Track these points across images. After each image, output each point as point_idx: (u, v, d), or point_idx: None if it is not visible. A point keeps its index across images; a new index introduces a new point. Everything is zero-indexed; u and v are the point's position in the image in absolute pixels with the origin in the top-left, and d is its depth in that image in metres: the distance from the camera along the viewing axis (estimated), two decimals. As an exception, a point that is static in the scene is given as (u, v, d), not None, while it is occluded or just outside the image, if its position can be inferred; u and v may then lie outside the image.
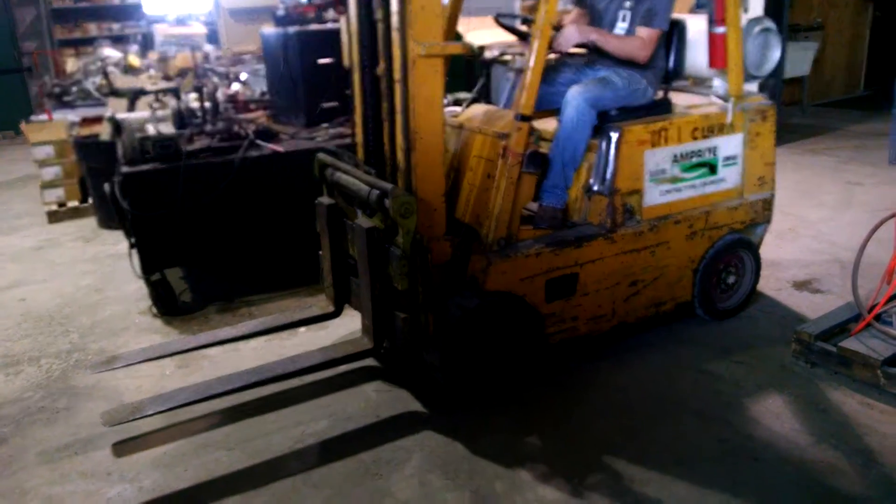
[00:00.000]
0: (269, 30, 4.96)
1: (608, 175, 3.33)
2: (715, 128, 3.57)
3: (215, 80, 5.29)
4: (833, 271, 4.41)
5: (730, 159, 3.66)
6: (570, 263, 3.27)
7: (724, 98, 3.64)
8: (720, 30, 3.50)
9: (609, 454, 2.81)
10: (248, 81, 5.87)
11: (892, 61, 10.15)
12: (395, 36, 2.89)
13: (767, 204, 3.84)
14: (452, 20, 3.93)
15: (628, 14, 3.45)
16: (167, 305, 4.26)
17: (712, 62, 3.57)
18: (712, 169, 3.61)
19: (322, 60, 4.76)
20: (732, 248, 3.76)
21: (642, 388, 3.28)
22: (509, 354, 3.20)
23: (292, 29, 4.71)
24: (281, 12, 4.79)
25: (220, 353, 3.75)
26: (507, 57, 4.00)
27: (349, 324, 3.84)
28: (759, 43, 3.67)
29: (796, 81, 9.10)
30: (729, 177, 3.68)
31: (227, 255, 4.38)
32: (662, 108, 3.57)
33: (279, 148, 4.33)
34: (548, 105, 3.50)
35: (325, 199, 3.46)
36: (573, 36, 3.29)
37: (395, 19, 2.86)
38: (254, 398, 3.26)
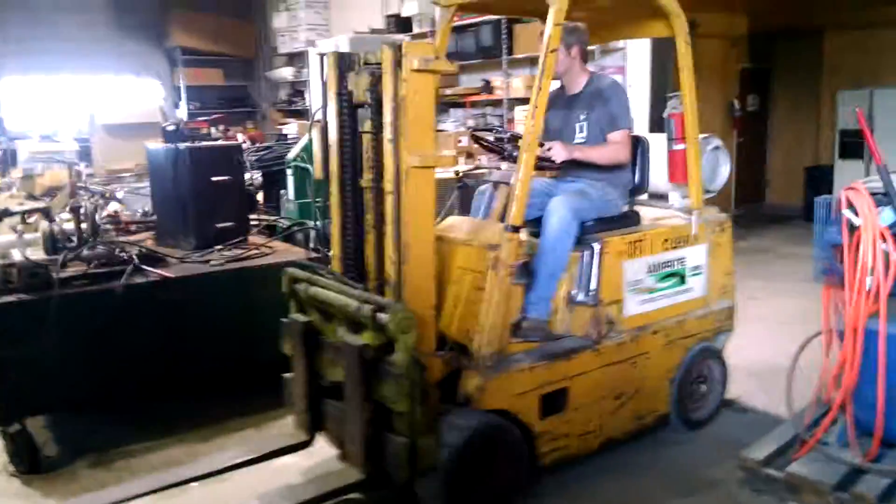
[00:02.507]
0: (156, 145, 4.60)
1: (592, 286, 3.32)
2: (682, 239, 3.67)
3: (92, 199, 4.81)
4: (750, 388, 4.37)
5: (696, 269, 3.74)
6: (560, 377, 3.19)
7: (685, 210, 3.80)
8: (679, 147, 3.72)
9: None
10: (126, 201, 5.41)
11: (756, 185, 10.95)
12: (388, 147, 2.87)
13: (730, 312, 3.94)
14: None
15: (584, 125, 3.58)
16: (28, 462, 3.58)
17: (672, 177, 3.79)
18: (682, 279, 3.69)
19: (216, 178, 4.42)
20: (703, 356, 3.81)
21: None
22: (505, 477, 3.04)
23: (183, 145, 4.37)
24: (171, 127, 4.44)
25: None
26: (481, 171, 3.97)
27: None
28: (710, 160, 3.94)
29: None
30: (696, 286, 3.75)
31: (106, 398, 3.79)
32: (632, 219, 3.65)
33: (168, 273, 3.88)
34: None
35: (298, 317, 3.21)
36: (562, 152, 3.40)
37: (387, 130, 2.86)
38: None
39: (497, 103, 9.04)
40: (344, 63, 3.17)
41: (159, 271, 3.88)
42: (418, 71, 2.82)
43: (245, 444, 3.77)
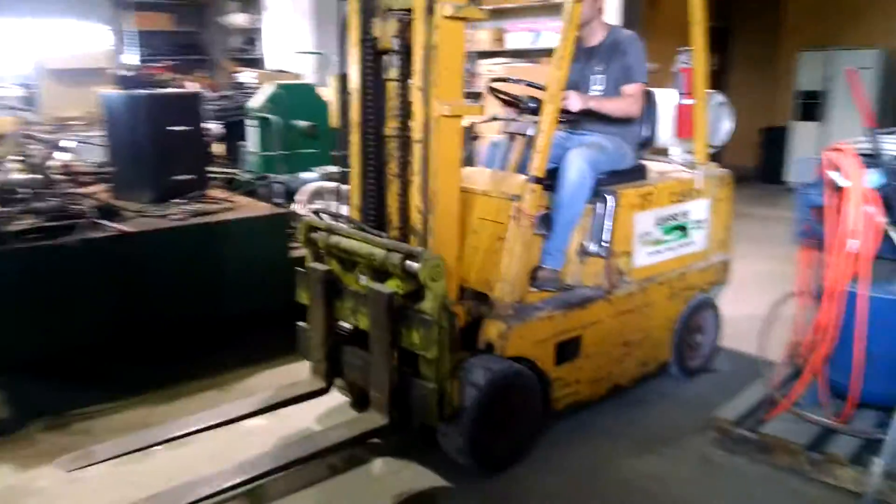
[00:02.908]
0: (112, 92, 4.33)
1: (605, 237, 3.38)
2: (687, 193, 3.74)
3: (40, 148, 4.53)
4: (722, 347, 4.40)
5: (698, 223, 3.85)
6: (575, 326, 3.28)
7: (689, 165, 3.87)
8: (688, 102, 3.81)
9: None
10: (77, 150, 5.13)
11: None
12: (417, 95, 2.85)
13: (726, 266, 4.08)
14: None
15: (600, 77, 3.57)
16: (-23, 425, 3.40)
17: (680, 132, 3.89)
18: (685, 232, 3.78)
19: (176, 128, 4.20)
20: (701, 308, 3.93)
21: (573, 496, 2.96)
22: (523, 422, 3.13)
23: (141, 92, 4.13)
24: (127, 73, 4.18)
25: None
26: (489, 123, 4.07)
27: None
28: (714, 115, 3.97)
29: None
30: (698, 239, 3.86)
31: (61, 358, 3.61)
32: (640, 173, 3.68)
33: (127, 228, 3.69)
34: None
35: (318, 265, 3.22)
36: (577, 102, 3.36)
37: (417, 78, 2.84)
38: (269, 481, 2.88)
39: (461, 56, 8.91)
40: (368, 7, 3.07)
41: (117, 225, 3.68)
42: (450, 18, 2.77)
43: (209, 405, 3.66)
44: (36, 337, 3.44)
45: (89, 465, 2.80)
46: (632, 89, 3.53)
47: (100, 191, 4.28)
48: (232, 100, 5.65)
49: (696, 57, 3.80)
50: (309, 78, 8.22)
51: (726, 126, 4.06)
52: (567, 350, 3.28)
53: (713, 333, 4.08)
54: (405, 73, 2.97)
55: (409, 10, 2.88)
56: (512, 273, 3.09)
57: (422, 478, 3.07)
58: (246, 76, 7.07)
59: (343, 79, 3.23)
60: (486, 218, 3.20)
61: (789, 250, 4.69)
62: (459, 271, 3.08)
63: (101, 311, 3.59)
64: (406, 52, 2.95)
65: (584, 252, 3.40)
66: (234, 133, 5.80)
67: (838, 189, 2.96)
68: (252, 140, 5.08)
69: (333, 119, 3.39)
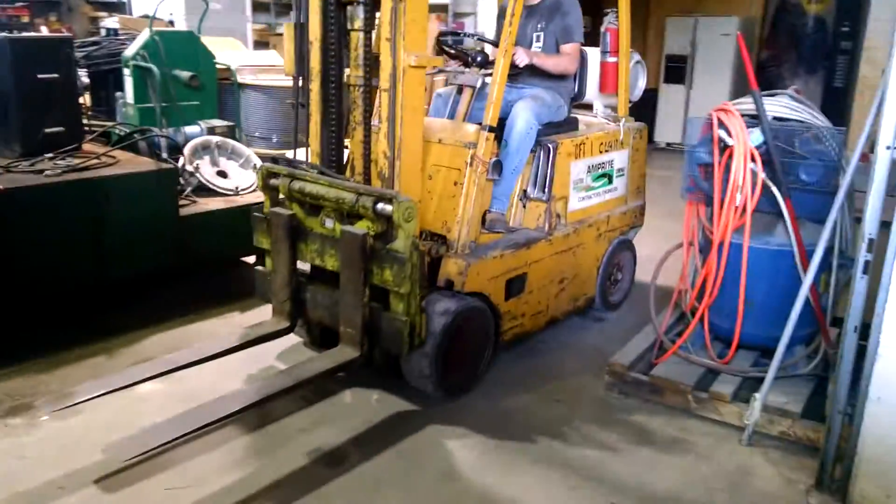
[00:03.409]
0: (-34, 34, 3.91)
1: (546, 183, 3.65)
2: (612, 143, 4.09)
3: None
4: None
5: (620, 171, 4.23)
6: (522, 264, 3.53)
7: (612, 119, 4.23)
8: (612, 59, 4.13)
9: None
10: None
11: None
12: (385, 46, 2.97)
13: (642, 210, 4.49)
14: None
15: (541, 35, 3.80)
16: None
17: (603, 87, 4.21)
18: (610, 179, 4.14)
19: (44, 76, 3.86)
20: (621, 248, 4.31)
21: (480, 443, 3.05)
22: (478, 351, 3.41)
23: (4, 35, 3.74)
24: (-15, 13, 3.78)
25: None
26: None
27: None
28: (632, 73, 4.29)
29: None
30: (619, 186, 4.24)
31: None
32: (573, 125, 3.99)
33: (-4, 184, 3.38)
34: (477, 119, 3.67)
35: (281, 210, 3.26)
36: (524, 57, 3.56)
37: (386, 29, 2.96)
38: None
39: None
40: None
41: (-18, 182, 3.36)
42: None
43: (97, 372, 3.47)
44: None
45: (70, 407, 2.82)
46: (570, 48, 3.77)
47: (-42, 143, 3.87)
48: (102, 46, 5.23)
49: (620, 18, 4.11)
50: (180, 25, 7.76)
51: (641, 83, 4.41)
52: (514, 286, 3.52)
53: (631, 271, 4.51)
54: (370, 25, 3.11)
55: None
56: (468, 215, 3.32)
57: (389, 403, 3.32)
58: (110, 22, 6.57)
59: (300, 27, 3.28)
60: (441, 165, 3.40)
61: (666, 207, 5.04)
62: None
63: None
64: (372, 4, 3.08)
65: (526, 197, 3.68)
66: (100, 83, 5.40)
67: (725, 147, 3.16)
68: (128, 90, 4.74)
69: (288, 67, 3.41)
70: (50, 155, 3.87)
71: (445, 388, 3.26)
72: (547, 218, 3.71)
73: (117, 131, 4.54)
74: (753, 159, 3.06)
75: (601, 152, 4.00)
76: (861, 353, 2.59)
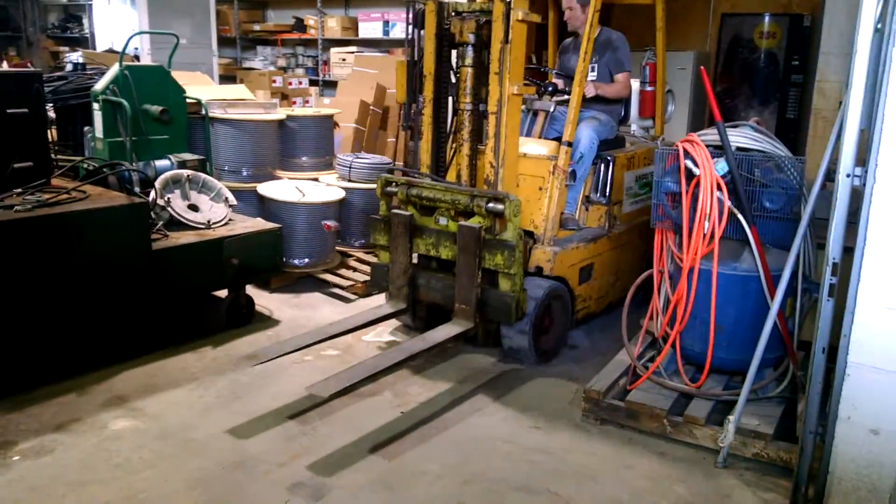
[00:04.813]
0: (-68, 69, 3.86)
1: (607, 189, 4.45)
2: (651, 157, 4.46)
3: None
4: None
5: None
6: (590, 255, 4.32)
7: (650, 137, 5.05)
8: (650, 88, 4.94)
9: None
10: None
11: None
12: (494, 78, 3.81)
13: None
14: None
15: (595, 66, 4.53)
16: None
17: (641, 112, 5.01)
18: (649, 187, 4.46)
19: (12, 111, 3.82)
20: None
21: (457, 470, 3.06)
22: (560, 325, 4.19)
23: (-29, 70, 3.71)
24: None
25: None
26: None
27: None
28: (665, 100, 5.17)
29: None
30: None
31: None
32: (622, 142, 4.78)
33: (-35, 220, 3.32)
34: (547, 137, 4.55)
35: (401, 212, 4.03)
36: (591, 89, 4.42)
37: (495, 65, 3.80)
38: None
39: (310, 43, 8.69)
40: (441, 9, 3.99)
41: (-48, 218, 3.30)
42: (520, 21, 3.75)
43: (68, 410, 3.41)
44: None
45: (261, 363, 3.49)
46: (622, 77, 4.58)
47: (-76, 179, 3.80)
48: (70, 81, 5.19)
49: (657, 54, 4.99)
50: (145, 60, 7.74)
51: (671, 108, 5.27)
52: (585, 273, 4.29)
53: None
54: (477, 62, 3.90)
55: (484, 13, 3.85)
56: (551, 214, 4.08)
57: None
58: (75, 56, 6.52)
59: (412, 64, 4.15)
60: (527, 174, 4.15)
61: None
62: None
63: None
64: (482, 45, 3.89)
65: (589, 201, 4.47)
66: (67, 117, 5.36)
67: (691, 176, 3.26)
68: (98, 125, 4.71)
69: (400, 95, 4.36)
70: (18, 190, 3.81)
71: (538, 353, 4.04)
72: (607, 219, 4.49)
73: (86, 166, 4.50)
74: (720, 188, 3.17)
75: (645, 165, 4.72)
76: (829, 374, 2.68)
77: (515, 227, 3.67)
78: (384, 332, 4.46)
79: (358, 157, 5.76)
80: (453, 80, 4.08)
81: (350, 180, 5.62)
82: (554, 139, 4.42)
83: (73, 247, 3.60)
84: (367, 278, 5.22)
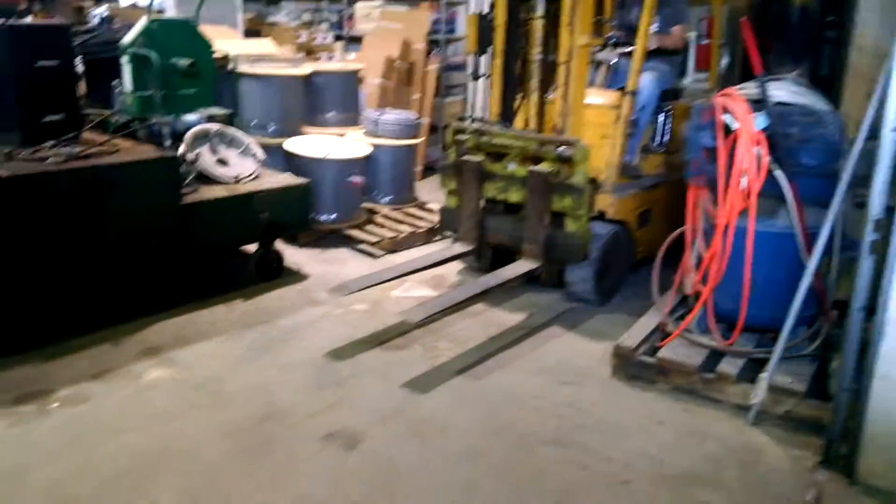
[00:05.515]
0: (-37, 22, 3.85)
1: (665, 139, 4.63)
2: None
3: None
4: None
5: None
6: (649, 201, 4.55)
7: (704, 89, 5.04)
8: (705, 41, 5.11)
9: None
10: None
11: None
12: (566, 29, 3.95)
13: None
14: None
15: (656, 18, 4.50)
16: None
17: (697, 64, 5.33)
18: None
19: (43, 63, 3.82)
20: None
21: (486, 422, 3.08)
22: (622, 265, 4.42)
23: (3, 22, 3.69)
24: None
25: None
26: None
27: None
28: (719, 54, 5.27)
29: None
30: None
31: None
32: (679, 93, 4.89)
33: (1, 172, 3.34)
34: (614, 85, 4.54)
35: (472, 158, 4.21)
36: (654, 41, 4.50)
37: (566, 17, 3.93)
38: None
39: (335, -5, 8.58)
40: None
41: (-13, 170, 3.33)
42: None
43: (103, 359, 3.47)
44: None
45: (350, 293, 3.74)
46: (679, 29, 4.71)
47: (-42, 131, 3.83)
48: (98, 35, 5.16)
49: (714, 10, 5.14)
50: (171, 13, 7.68)
51: (724, 61, 5.33)
52: (643, 218, 4.51)
53: None
54: (549, 13, 4.11)
55: None
56: (614, 161, 4.20)
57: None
58: (102, 10, 6.48)
59: (481, 17, 4.44)
60: (592, 122, 4.19)
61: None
62: None
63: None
64: None
65: (647, 150, 4.57)
66: (95, 71, 5.34)
67: (729, 131, 3.20)
68: (126, 79, 4.69)
69: (471, 47, 4.55)
70: (50, 143, 3.83)
71: (599, 293, 4.24)
72: (665, 167, 4.63)
73: (115, 119, 4.50)
74: (758, 143, 3.10)
75: None
76: (865, 332, 2.65)
77: (584, 172, 3.82)
78: (411, 289, 4.47)
79: (384, 113, 5.72)
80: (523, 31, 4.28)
81: (377, 136, 5.59)
82: (616, 90, 4.47)
83: (106, 200, 3.62)
84: (394, 234, 5.25)
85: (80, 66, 5.15)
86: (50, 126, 3.90)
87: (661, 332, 3.61)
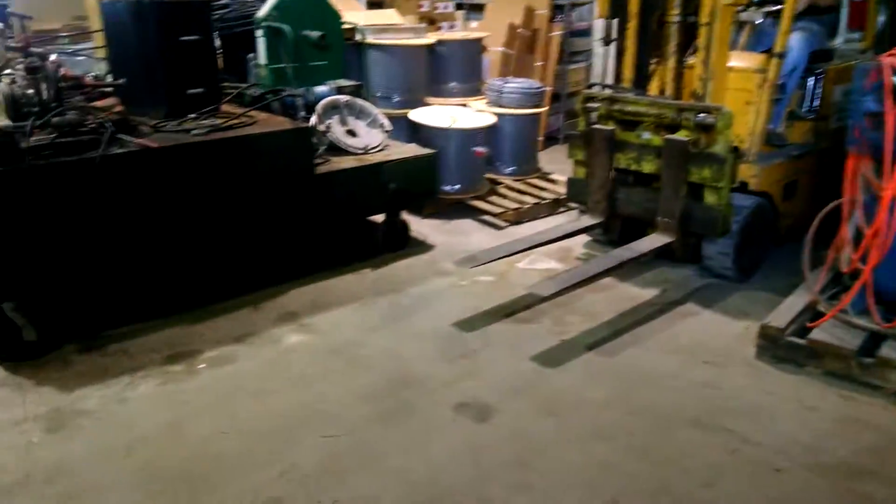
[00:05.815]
0: (113, 1, 4.05)
1: (815, 104, 4.32)
2: None
3: (52, 58, 4.22)
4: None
5: None
6: (795, 172, 4.27)
7: (855, 51, 4.66)
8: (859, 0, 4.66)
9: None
10: (67, 63, 4.81)
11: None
12: None
13: None
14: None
15: None
16: (9, 348, 3.29)
17: (850, 23, 4.70)
18: None
19: (186, 38, 3.96)
20: None
21: (622, 400, 2.98)
22: (764, 239, 4.15)
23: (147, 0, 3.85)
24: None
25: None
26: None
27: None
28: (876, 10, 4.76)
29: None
30: None
31: (87, 279, 3.46)
32: (830, 54, 4.49)
33: (152, 143, 3.50)
34: (753, 49, 4.43)
35: (603, 127, 4.03)
36: (803, 1, 4.26)
37: None
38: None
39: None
40: None
41: (141, 141, 3.49)
42: None
43: (243, 323, 3.61)
44: (62, 260, 3.29)
45: (477, 266, 3.72)
46: None
47: (112, 105, 4.04)
48: (233, 9, 5.33)
49: None
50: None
51: (882, 18, 4.79)
52: (789, 190, 4.25)
53: None
54: None
55: None
56: (758, 129, 3.97)
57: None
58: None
59: None
60: (734, 87, 3.96)
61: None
62: None
63: (123, 230, 3.42)
64: None
65: (794, 116, 4.27)
66: (231, 45, 5.51)
67: (900, 95, 2.91)
68: (260, 52, 4.82)
69: (602, 11, 4.31)
70: (193, 115, 3.98)
71: (739, 269, 4.01)
72: (813, 135, 4.34)
73: (251, 92, 4.63)
74: (936, 107, 2.80)
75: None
76: None
77: (726, 140, 3.60)
78: (536, 261, 4.40)
79: (508, 82, 5.62)
80: None
81: (500, 105, 5.51)
82: (761, 52, 4.20)
83: (245, 169, 3.74)
84: (518, 206, 5.18)
85: (216, 40, 5.33)
86: (192, 98, 4.04)
87: (811, 313, 3.38)
